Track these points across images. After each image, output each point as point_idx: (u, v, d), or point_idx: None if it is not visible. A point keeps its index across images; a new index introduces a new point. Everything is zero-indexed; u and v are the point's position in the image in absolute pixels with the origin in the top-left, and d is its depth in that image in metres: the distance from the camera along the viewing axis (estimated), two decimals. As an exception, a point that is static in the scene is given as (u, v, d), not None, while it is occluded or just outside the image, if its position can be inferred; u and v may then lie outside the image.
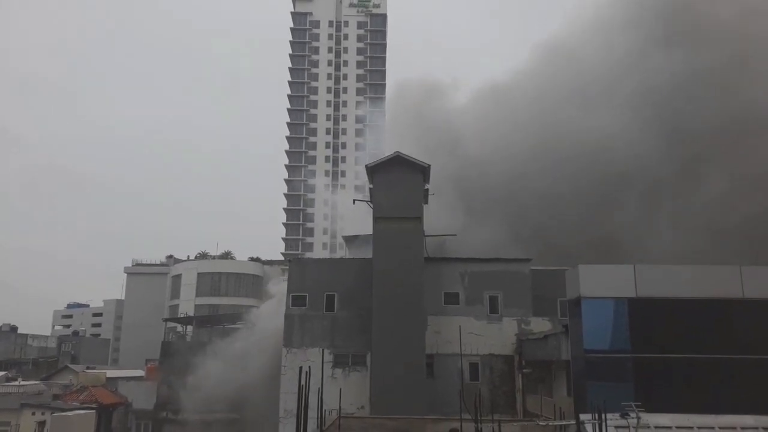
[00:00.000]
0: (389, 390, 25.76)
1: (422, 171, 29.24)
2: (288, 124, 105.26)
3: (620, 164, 33.58)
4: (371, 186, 30.03)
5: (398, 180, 28.88)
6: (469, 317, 28.24)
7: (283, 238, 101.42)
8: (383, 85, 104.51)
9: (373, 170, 29.77)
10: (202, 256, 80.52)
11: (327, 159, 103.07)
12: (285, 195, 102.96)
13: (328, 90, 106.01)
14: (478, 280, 28.92)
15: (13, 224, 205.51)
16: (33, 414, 39.59)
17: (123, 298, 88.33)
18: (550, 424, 8.51)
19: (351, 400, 26.52)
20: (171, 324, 54.87)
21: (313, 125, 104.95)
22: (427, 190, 29.92)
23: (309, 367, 6.84)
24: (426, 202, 29.95)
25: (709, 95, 31.80)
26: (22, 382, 48.43)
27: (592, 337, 18.54)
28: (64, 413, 35.55)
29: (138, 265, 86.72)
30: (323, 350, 21.49)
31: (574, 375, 19.34)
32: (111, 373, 54.11)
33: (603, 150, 33.77)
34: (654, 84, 34.21)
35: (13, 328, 79.06)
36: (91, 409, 38.00)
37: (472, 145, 39.33)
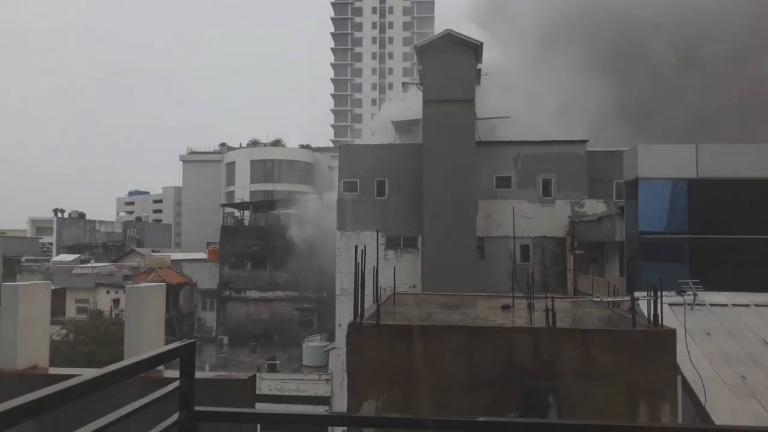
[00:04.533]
0: (440, 271, 26.42)
1: (474, 50, 28.03)
2: (332, 3, 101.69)
3: None
4: (421, 68, 29.12)
5: (449, 60, 27.85)
6: (522, 200, 28.09)
7: (331, 125, 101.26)
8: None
9: (422, 50, 28.73)
10: (254, 143, 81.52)
11: (374, 40, 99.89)
12: (332, 80, 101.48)
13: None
14: (532, 163, 28.43)
15: (78, 117, 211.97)
16: (108, 292, 42.86)
17: (181, 185, 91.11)
18: (604, 300, 8.55)
19: (403, 280, 27.37)
20: (228, 209, 56.84)
21: (358, 4, 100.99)
22: (480, 70, 28.84)
23: (364, 246, 6.96)
24: (478, 83, 28.98)
25: None
26: (95, 264, 51.92)
27: (648, 218, 18.29)
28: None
29: (193, 153, 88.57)
30: (377, 231, 21.99)
31: (627, 256, 19.31)
32: (175, 255, 57.16)
33: None
34: None
35: (81, 215, 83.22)
36: (161, 286, 40.62)
37: None
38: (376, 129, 45.26)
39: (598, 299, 8.75)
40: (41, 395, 1.77)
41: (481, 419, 2.75)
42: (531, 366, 6.04)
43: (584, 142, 28.34)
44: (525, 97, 33.88)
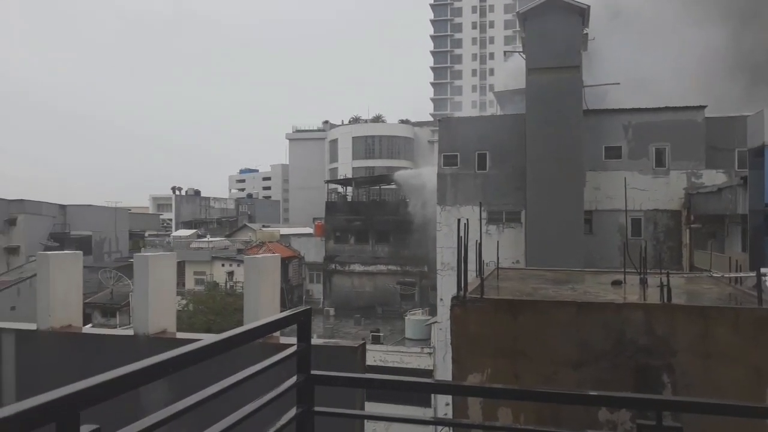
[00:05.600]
0: (545, 246, 25.79)
1: (580, 13, 26.74)
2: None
3: None
4: (524, 35, 28.19)
5: (553, 26, 26.75)
6: (633, 172, 26.72)
7: (431, 99, 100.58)
8: None
9: (525, 17, 27.77)
10: (355, 120, 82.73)
11: (474, 9, 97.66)
12: (431, 53, 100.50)
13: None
14: (644, 131, 26.90)
15: (191, 102, 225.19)
16: (223, 265, 45.47)
17: (288, 162, 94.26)
18: (725, 276, 8.02)
19: (506, 255, 27.00)
20: (332, 185, 58.33)
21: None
22: (587, 35, 27.52)
23: (467, 219, 6.93)
24: (585, 49, 27.66)
25: None
26: (211, 239, 55.14)
27: (776, 188, 16.87)
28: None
29: (298, 131, 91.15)
30: (480, 204, 21.74)
31: (751, 230, 17.94)
32: (284, 230, 59.52)
33: None
34: None
35: (197, 192, 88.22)
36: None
37: None
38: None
39: (718, 275, 8.22)
40: (175, 354, 1.91)
41: (593, 393, 2.70)
42: (644, 343, 5.81)
43: (702, 108, 26.39)
44: (639, 54, 31.92)
